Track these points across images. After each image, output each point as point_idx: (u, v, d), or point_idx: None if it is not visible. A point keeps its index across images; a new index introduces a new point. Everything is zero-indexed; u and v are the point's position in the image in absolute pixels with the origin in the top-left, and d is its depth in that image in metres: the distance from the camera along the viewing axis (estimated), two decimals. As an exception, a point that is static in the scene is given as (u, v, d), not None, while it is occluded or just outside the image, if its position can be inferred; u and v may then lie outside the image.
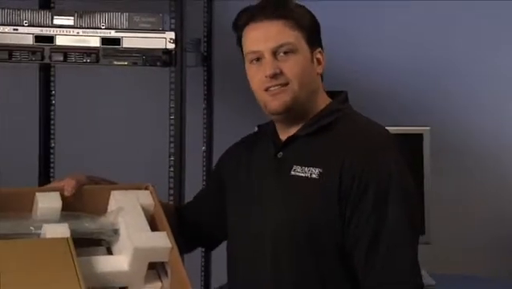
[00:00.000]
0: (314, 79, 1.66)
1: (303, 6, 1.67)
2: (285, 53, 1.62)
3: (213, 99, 2.58)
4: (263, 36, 1.62)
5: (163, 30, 2.20)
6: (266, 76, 1.61)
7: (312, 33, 1.65)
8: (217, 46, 2.57)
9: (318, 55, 1.67)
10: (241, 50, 1.68)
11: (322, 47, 1.68)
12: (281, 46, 1.62)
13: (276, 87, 1.62)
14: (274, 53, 1.62)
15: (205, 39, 2.56)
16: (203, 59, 2.55)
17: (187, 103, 2.24)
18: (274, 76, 1.61)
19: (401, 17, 2.87)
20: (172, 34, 2.19)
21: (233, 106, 2.83)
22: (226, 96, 2.76)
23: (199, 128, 2.53)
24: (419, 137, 2.35)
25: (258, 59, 1.63)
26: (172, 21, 2.21)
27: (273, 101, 1.63)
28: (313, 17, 1.67)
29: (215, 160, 2.52)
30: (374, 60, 2.87)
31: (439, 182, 2.43)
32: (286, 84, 1.62)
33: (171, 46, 2.19)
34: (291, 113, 1.64)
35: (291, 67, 1.62)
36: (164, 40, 2.20)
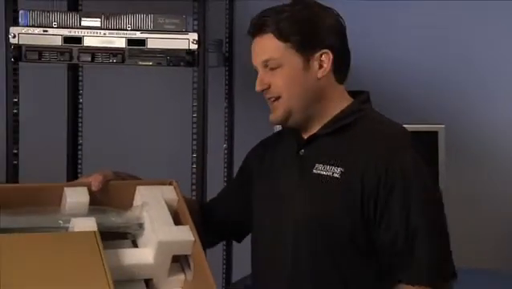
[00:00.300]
0: (310, 86, 1.63)
1: (304, 10, 1.63)
2: (271, 68, 1.63)
3: (234, 99, 2.59)
4: (255, 52, 1.65)
5: (186, 32, 2.21)
6: (257, 90, 1.65)
7: (307, 38, 1.61)
8: (238, 46, 2.57)
9: (322, 58, 1.63)
10: None
11: (331, 47, 1.62)
12: (266, 61, 1.63)
13: (271, 100, 1.64)
14: (266, 67, 1.64)
15: (227, 40, 2.57)
16: (224, 60, 2.56)
17: (209, 102, 2.25)
18: (263, 91, 1.64)
19: (416, 15, 2.86)
20: (195, 36, 2.20)
21: (254, 105, 2.83)
22: (247, 96, 2.75)
23: (220, 127, 2.54)
24: (434, 135, 2.35)
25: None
26: (195, 22, 2.22)
27: (271, 114, 1.66)
28: (312, 21, 1.62)
29: (236, 157, 2.55)
30: (389, 59, 2.86)
31: (454, 179, 2.42)
32: (279, 98, 1.63)
33: (194, 46, 2.20)
34: (291, 123, 1.65)
35: (277, 81, 1.62)
36: (187, 41, 2.21)
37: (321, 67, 1.63)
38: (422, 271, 1.57)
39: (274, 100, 1.64)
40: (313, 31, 1.62)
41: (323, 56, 1.63)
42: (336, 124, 1.65)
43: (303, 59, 1.62)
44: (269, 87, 1.63)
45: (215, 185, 2.11)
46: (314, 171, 1.63)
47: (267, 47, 1.62)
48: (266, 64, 1.63)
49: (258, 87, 1.64)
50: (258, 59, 1.64)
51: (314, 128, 1.67)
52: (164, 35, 2.22)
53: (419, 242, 1.57)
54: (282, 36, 1.61)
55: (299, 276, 1.63)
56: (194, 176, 2.22)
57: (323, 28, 1.63)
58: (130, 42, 2.22)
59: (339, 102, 1.67)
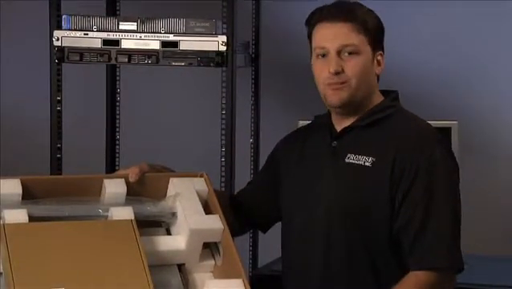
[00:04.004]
0: (371, 79, 1.66)
1: (371, 11, 1.68)
2: (349, 53, 1.63)
3: (260, 96, 2.59)
4: (332, 35, 1.63)
5: (216, 34, 2.21)
6: (329, 72, 1.63)
7: (376, 37, 1.66)
8: (264, 48, 2.57)
9: (379, 58, 1.67)
10: (310, 45, 1.69)
11: (383, 51, 1.68)
12: (346, 46, 1.63)
13: (338, 83, 1.63)
14: (339, 52, 1.63)
15: (253, 42, 2.57)
16: (251, 60, 2.55)
17: (236, 100, 2.25)
18: (337, 74, 1.62)
19: (430, 15, 2.82)
20: (224, 38, 2.20)
21: (278, 102, 2.83)
22: (272, 94, 2.76)
23: (247, 123, 2.54)
24: (447, 131, 2.32)
25: (323, 55, 1.64)
26: (224, 26, 2.22)
27: (332, 96, 1.64)
28: (379, 22, 1.68)
29: (261, 150, 2.54)
30: (404, 57, 2.81)
31: (467, 173, 2.38)
32: (346, 82, 1.63)
33: (223, 48, 2.20)
34: (347, 108, 1.66)
35: (353, 66, 1.63)
36: (216, 43, 2.21)
37: (379, 65, 1.67)
38: (430, 257, 1.56)
39: (341, 84, 1.63)
40: (382, 32, 1.68)
41: (380, 56, 1.67)
42: (371, 117, 1.66)
43: (372, 54, 1.65)
44: (342, 71, 1.63)
45: (242, 177, 2.11)
46: (346, 160, 1.64)
47: (350, 34, 1.62)
48: (341, 50, 1.63)
49: (332, 69, 1.62)
50: (336, 42, 1.63)
51: (349, 120, 1.67)
52: (196, 38, 2.22)
53: (431, 231, 1.56)
54: (365, 29, 1.63)
55: (332, 262, 1.62)
56: (223, 168, 2.23)
57: (383, 31, 1.68)
58: (164, 44, 2.23)
59: (376, 98, 1.69)
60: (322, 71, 1.64)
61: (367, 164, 1.61)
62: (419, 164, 1.58)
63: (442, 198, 1.58)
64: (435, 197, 1.57)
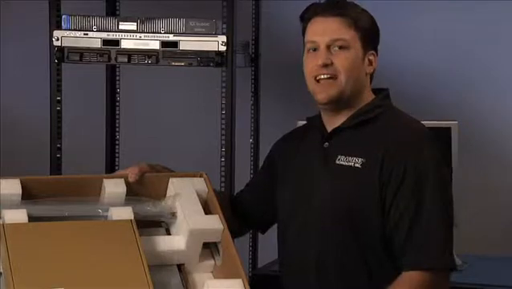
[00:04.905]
0: (361, 77, 1.66)
1: (366, 12, 1.68)
2: (339, 48, 1.64)
3: (260, 96, 2.59)
4: (322, 30, 1.65)
5: (215, 34, 2.22)
6: (317, 65, 1.63)
7: (368, 36, 1.66)
8: (264, 48, 2.57)
9: (371, 57, 1.67)
10: (304, 41, 1.70)
11: (376, 51, 1.69)
12: (336, 40, 1.64)
13: (325, 76, 1.63)
14: (329, 46, 1.64)
15: (253, 42, 2.57)
16: (251, 60, 2.55)
17: (236, 100, 2.25)
18: (325, 66, 1.63)
19: (432, 15, 2.82)
20: (223, 38, 2.20)
21: (278, 102, 2.83)
22: (272, 94, 2.76)
23: (247, 123, 2.54)
24: (447, 131, 2.32)
25: (314, 49, 1.65)
26: (224, 26, 2.22)
27: (320, 93, 1.64)
28: (373, 23, 1.68)
29: (261, 151, 2.54)
30: (404, 58, 2.82)
31: (466, 173, 2.39)
32: (335, 77, 1.63)
33: (223, 48, 2.20)
34: (336, 105, 1.66)
35: (342, 60, 1.63)
36: (216, 43, 2.21)
37: (370, 64, 1.67)
38: (421, 257, 1.56)
39: (329, 79, 1.63)
40: (375, 32, 1.68)
41: (372, 56, 1.67)
42: (359, 117, 1.66)
43: (362, 52, 1.65)
44: (331, 64, 1.63)
45: (242, 178, 2.11)
46: (337, 162, 1.64)
47: (341, 29, 1.64)
48: (331, 44, 1.64)
49: (320, 61, 1.63)
50: (327, 37, 1.64)
51: (339, 120, 1.67)
52: (195, 38, 2.22)
53: (421, 230, 1.56)
54: (357, 25, 1.64)
55: (327, 262, 1.62)
56: (223, 168, 2.23)
57: (378, 32, 1.69)
58: (163, 44, 2.23)
59: (367, 98, 1.69)
60: (311, 64, 1.65)
61: (357, 165, 1.61)
62: (407, 163, 1.58)
63: (432, 197, 1.57)
64: (424, 196, 1.57)
